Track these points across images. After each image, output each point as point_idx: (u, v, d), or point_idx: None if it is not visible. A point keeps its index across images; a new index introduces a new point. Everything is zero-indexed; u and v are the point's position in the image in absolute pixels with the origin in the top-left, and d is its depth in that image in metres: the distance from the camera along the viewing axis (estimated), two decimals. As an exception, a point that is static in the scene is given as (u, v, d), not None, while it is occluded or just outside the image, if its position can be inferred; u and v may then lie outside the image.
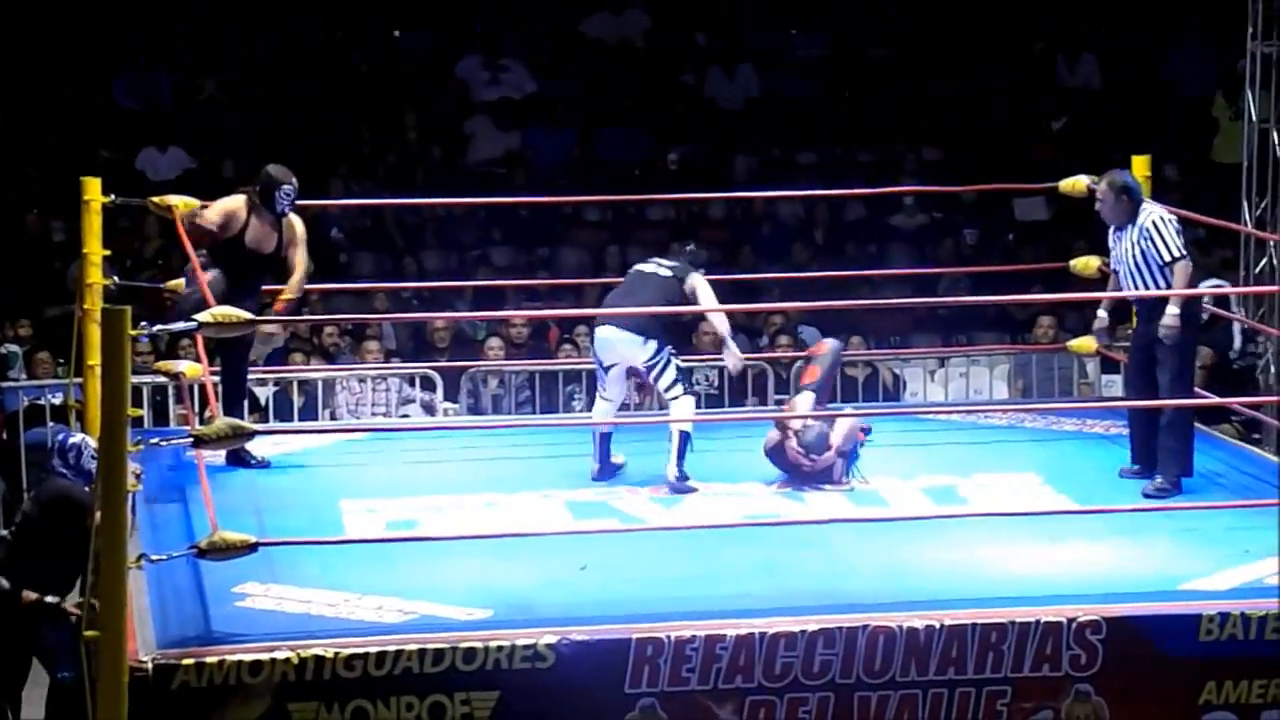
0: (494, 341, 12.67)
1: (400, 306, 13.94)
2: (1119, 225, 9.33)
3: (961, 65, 16.89)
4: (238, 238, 9.49)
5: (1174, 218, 9.35)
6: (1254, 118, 11.35)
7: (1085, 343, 10.91)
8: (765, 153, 16.25)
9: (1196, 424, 9.70)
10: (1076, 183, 10.45)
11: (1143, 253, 9.20)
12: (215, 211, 9.57)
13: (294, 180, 9.59)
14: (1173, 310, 9.10)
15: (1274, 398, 11.35)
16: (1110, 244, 9.51)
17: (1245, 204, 11.38)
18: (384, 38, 16.91)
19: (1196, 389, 9.74)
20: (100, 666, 6.98)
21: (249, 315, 8.01)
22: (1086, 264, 10.32)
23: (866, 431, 9.64)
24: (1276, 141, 11.30)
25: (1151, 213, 9.28)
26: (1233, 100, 15.56)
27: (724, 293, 13.71)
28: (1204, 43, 16.84)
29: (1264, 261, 11.36)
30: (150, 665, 7.11)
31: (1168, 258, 9.14)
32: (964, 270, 13.21)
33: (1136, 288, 9.28)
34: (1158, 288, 9.14)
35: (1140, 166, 10.74)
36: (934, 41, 17.10)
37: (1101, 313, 9.63)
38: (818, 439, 9.31)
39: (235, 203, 9.58)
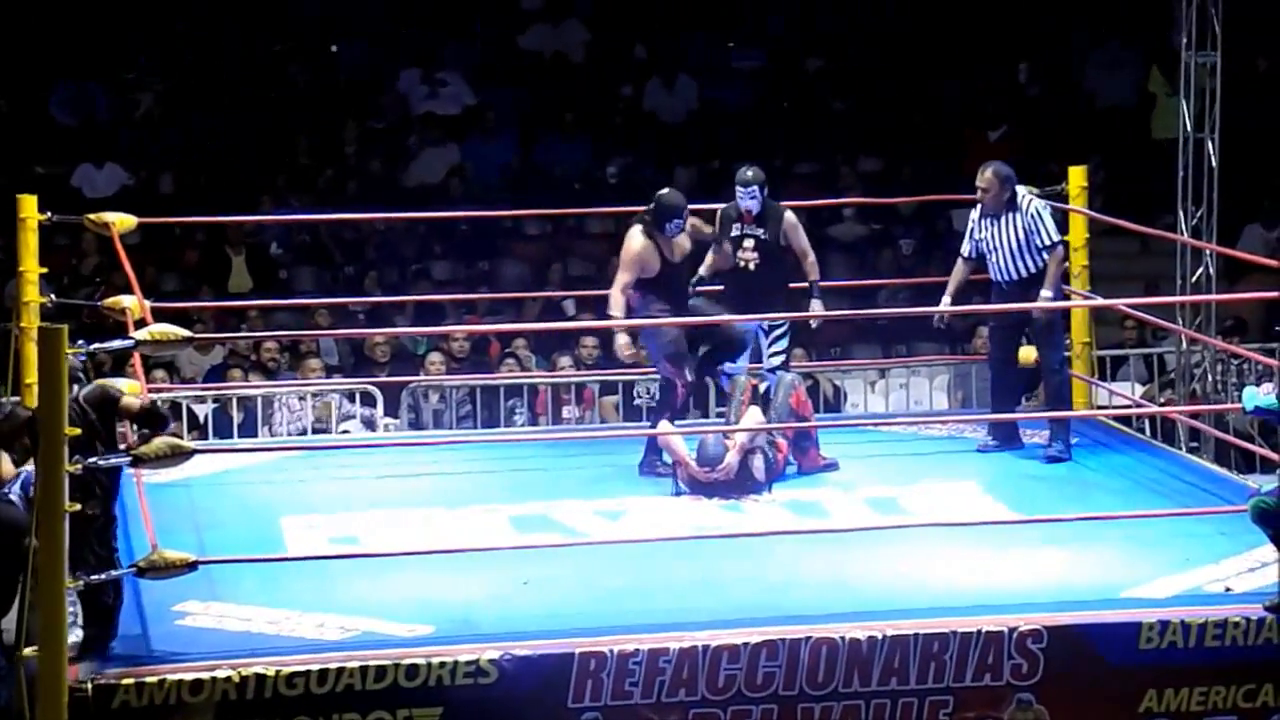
0: (434, 356, 12.63)
1: (343, 321, 13.90)
2: (996, 213, 9.90)
3: (898, 76, 16.95)
4: (670, 266, 9.67)
5: (1049, 205, 10.07)
6: (1188, 128, 11.42)
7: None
8: (705, 164, 16.27)
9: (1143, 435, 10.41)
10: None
11: (1027, 236, 9.86)
12: (624, 279, 9.64)
13: (687, 210, 9.72)
14: (1046, 293, 9.82)
15: (1212, 406, 11.42)
16: (976, 231, 10.01)
17: (1181, 213, 11.44)
18: (322, 51, 16.86)
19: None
20: (40, 687, 6.93)
21: (186, 333, 7.98)
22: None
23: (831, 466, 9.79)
24: (1211, 151, 11.38)
25: (1033, 200, 9.98)
26: (1169, 76, 15.69)
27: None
28: (1122, 54, 16.98)
29: (1200, 271, 11.42)
30: (90, 686, 7.07)
31: (1048, 241, 9.87)
32: (903, 281, 13.25)
33: (1013, 267, 9.90)
34: (1037, 268, 9.83)
35: (1076, 178, 10.87)
36: (870, 53, 17.16)
37: (947, 298, 10.14)
38: (714, 449, 9.34)
39: (638, 244, 9.64)
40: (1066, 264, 10.16)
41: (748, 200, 9.98)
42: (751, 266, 10.04)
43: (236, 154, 15.70)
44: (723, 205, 10.16)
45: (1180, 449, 10.92)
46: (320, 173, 15.81)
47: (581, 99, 16.58)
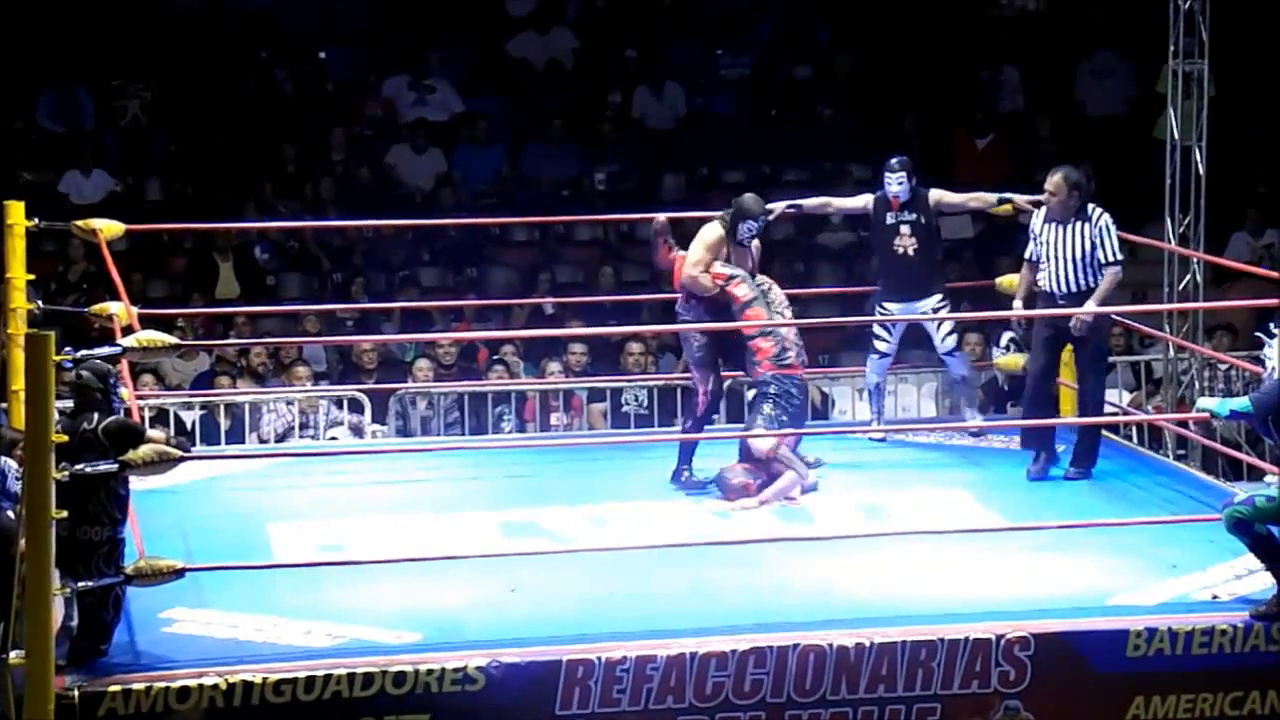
0: (422, 363, 12.63)
1: (331, 328, 13.89)
2: (1062, 219, 9.61)
3: (886, 83, 16.96)
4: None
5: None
6: (1176, 136, 11.43)
7: (1012, 360, 11.00)
8: (693, 171, 16.28)
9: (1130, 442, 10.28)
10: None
11: (1093, 247, 9.57)
12: (701, 258, 9.54)
13: (764, 216, 9.73)
14: (1090, 305, 9.50)
15: (1199, 414, 11.41)
16: (1038, 235, 9.75)
17: (1169, 221, 11.45)
18: (309, 58, 16.85)
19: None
20: (26, 694, 6.92)
21: (173, 339, 7.98)
22: (1011, 281, 10.41)
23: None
24: (1198, 159, 11.39)
25: (1103, 213, 9.69)
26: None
27: (653, 313, 13.79)
28: (1114, 63, 17.01)
29: (1187, 278, 11.43)
30: (76, 693, 7.06)
31: (1111, 258, 9.57)
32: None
33: (1071, 279, 9.60)
34: (1096, 283, 9.54)
35: (1065, 186, 10.83)
36: (858, 60, 17.17)
37: (1018, 303, 9.96)
38: (731, 479, 9.35)
39: (714, 234, 9.60)
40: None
41: (895, 186, 10.26)
42: (911, 252, 10.26)
43: (224, 161, 15.68)
44: (873, 195, 10.38)
45: (1167, 456, 10.93)
46: (308, 179, 15.80)
47: (570, 106, 16.58)
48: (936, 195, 10.38)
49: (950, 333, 10.49)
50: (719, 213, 9.79)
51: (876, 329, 10.53)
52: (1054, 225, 9.66)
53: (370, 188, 15.71)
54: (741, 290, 9.52)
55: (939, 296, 10.36)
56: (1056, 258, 9.63)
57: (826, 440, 10.40)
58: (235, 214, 14.62)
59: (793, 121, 16.77)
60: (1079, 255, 9.57)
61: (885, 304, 10.44)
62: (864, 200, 10.50)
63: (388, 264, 15.13)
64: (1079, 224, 9.60)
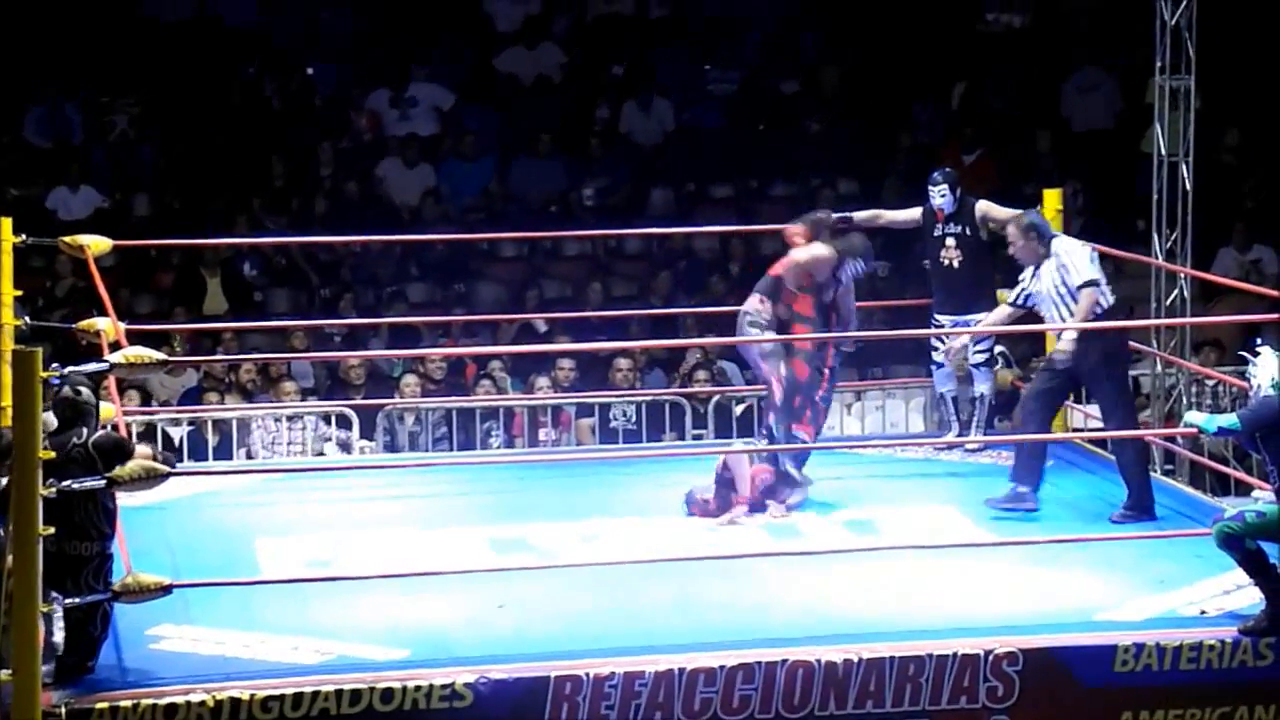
0: (410, 378, 12.62)
1: (318, 343, 13.88)
2: (1034, 264, 9.52)
3: (873, 98, 16.98)
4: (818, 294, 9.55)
5: (1088, 247, 9.57)
6: (1163, 151, 11.45)
7: (1001, 376, 11.01)
8: (680, 186, 16.29)
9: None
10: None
11: (1063, 280, 9.42)
12: (805, 264, 9.46)
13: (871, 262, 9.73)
14: (1069, 335, 9.30)
15: (1187, 429, 11.43)
16: (1025, 286, 9.64)
17: (1155, 236, 11.47)
18: (297, 73, 16.86)
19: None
20: (13, 712, 6.91)
21: (161, 355, 7.97)
22: (1000, 297, 10.41)
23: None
24: (1185, 175, 11.41)
25: (1063, 242, 9.56)
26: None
27: (641, 328, 13.80)
28: (1102, 79, 17.03)
29: (1174, 294, 11.45)
30: (63, 710, 7.05)
31: (1079, 281, 9.36)
32: (879, 304, 13.27)
33: (1060, 319, 9.45)
34: (1074, 314, 9.34)
35: (1052, 201, 10.89)
36: (845, 75, 17.20)
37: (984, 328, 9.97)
38: (696, 493, 9.35)
39: (826, 253, 9.55)
40: (1100, 306, 9.35)
41: (938, 199, 10.31)
42: (955, 264, 10.31)
43: (212, 176, 15.68)
44: (922, 207, 10.46)
45: (1155, 471, 10.93)
46: (296, 194, 15.80)
47: (558, 121, 16.59)
48: (984, 207, 10.40)
49: (984, 349, 10.48)
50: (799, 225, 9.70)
51: (933, 340, 10.57)
52: (1033, 272, 9.52)
53: (358, 202, 15.71)
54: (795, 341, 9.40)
55: (987, 311, 10.24)
56: (1041, 302, 9.50)
57: (816, 455, 10.40)
58: (223, 229, 14.63)
59: (781, 136, 16.78)
60: (1056, 293, 9.41)
61: (938, 316, 10.50)
62: (914, 213, 10.54)
63: (376, 279, 15.12)
64: (1047, 263, 9.45)
